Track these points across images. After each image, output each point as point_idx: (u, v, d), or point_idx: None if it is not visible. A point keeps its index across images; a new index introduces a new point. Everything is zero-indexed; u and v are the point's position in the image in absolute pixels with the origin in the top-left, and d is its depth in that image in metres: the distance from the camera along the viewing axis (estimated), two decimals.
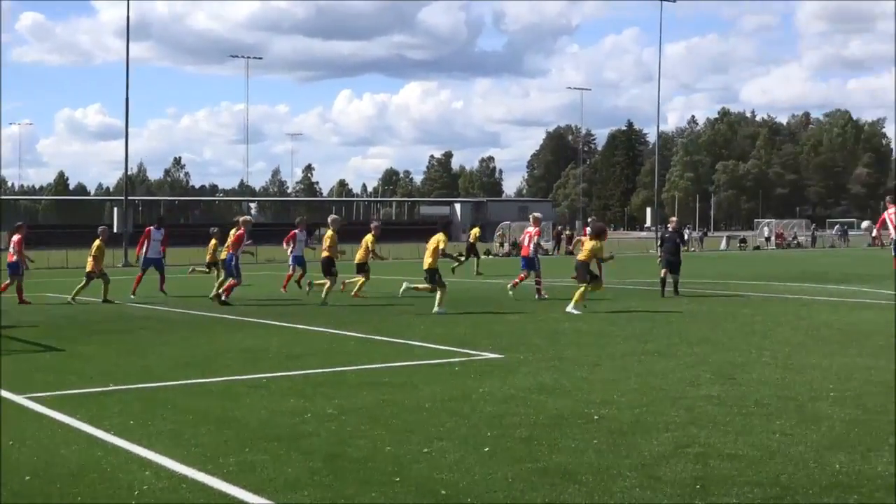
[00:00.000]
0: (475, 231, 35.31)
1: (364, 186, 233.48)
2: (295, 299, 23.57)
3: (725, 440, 7.84)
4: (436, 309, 19.25)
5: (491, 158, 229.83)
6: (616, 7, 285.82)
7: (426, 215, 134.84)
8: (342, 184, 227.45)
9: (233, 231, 22.91)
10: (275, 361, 12.87)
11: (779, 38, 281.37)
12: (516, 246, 59.22)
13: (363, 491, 6.50)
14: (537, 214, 24.27)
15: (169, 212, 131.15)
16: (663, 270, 23.57)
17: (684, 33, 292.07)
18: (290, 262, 27.04)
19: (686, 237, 56.51)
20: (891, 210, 22.06)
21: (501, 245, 62.53)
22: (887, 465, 7.01)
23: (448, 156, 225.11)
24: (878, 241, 24.52)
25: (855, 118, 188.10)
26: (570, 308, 18.96)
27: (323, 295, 21.90)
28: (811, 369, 11.51)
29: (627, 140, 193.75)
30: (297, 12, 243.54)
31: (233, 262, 22.32)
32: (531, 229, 23.48)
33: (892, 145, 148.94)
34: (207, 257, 27.71)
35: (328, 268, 22.38)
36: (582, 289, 19.41)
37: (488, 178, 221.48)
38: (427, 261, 20.07)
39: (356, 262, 24.61)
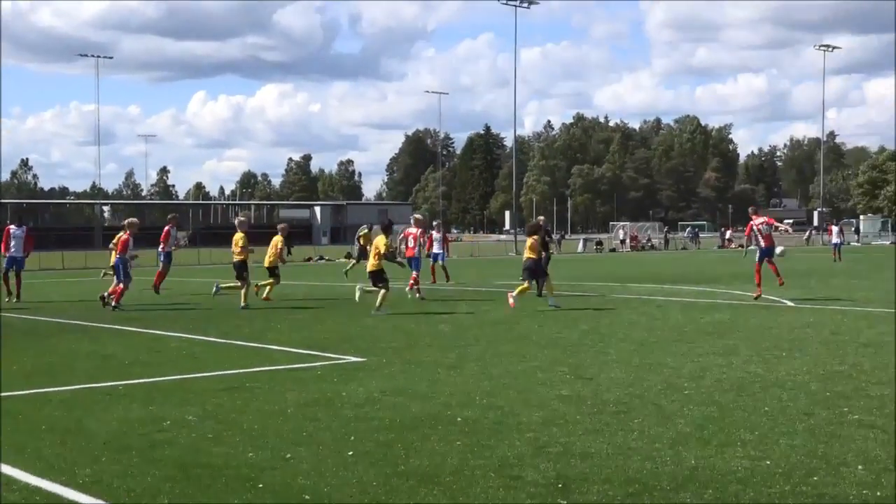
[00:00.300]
0: (365, 233, 35.31)
1: (221, 189, 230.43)
2: (157, 304, 23.03)
3: (584, 439, 7.95)
4: (376, 311, 19.22)
5: (350, 161, 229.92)
6: (471, 10, 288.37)
7: (285, 218, 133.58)
8: (199, 187, 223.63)
9: (119, 235, 22.53)
10: (129, 368, 12.52)
11: (630, 45, 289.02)
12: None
13: (222, 499, 6.38)
14: (418, 216, 25.33)
15: (15, 214, 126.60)
16: None
17: (539, 39, 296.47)
18: (161, 259, 26.68)
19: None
20: (756, 220, 22.96)
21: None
22: (741, 459, 7.22)
23: (307, 159, 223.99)
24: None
25: (703, 124, 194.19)
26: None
27: (242, 300, 21.43)
28: (665, 368, 11.78)
29: (485, 144, 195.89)
30: (147, 12, 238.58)
31: (121, 266, 21.80)
32: (414, 230, 24.25)
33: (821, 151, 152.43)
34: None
35: (241, 271, 21.97)
36: (525, 286, 20.63)
37: (348, 181, 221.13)
38: (371, 262, 20.20)
39: (266, 265, 24.00)
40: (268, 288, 23.29)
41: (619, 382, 10.78)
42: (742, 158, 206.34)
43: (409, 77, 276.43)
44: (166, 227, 27.03)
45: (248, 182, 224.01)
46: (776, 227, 23.97)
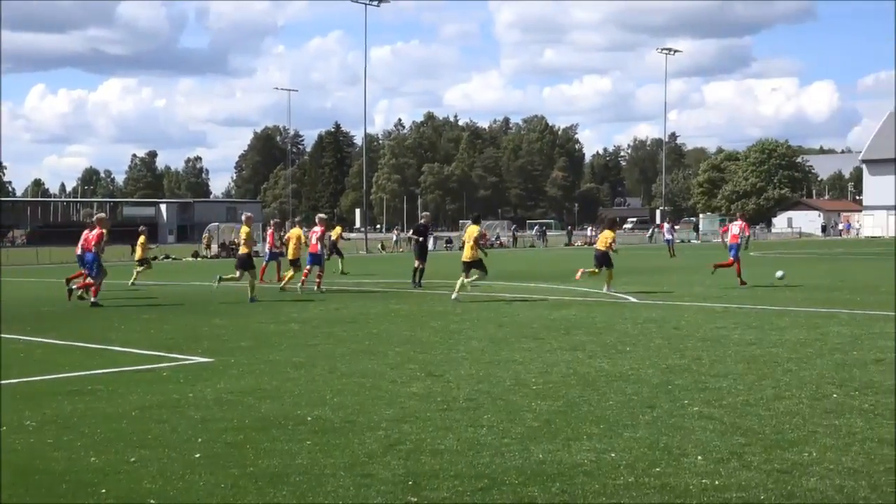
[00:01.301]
0: (338, 229, 35.01)
1: (63, 186, 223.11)
2: None
3: (434, 436, 8.01)
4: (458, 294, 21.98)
5: (199, 158, 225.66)
6: (321, 7, 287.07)
7: (129, 216, 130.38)
8: (38, 183, 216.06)
9: (89, 230, 22.51)
10: None
11: (479, 46, 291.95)
12: (228, 247, 58.41)
13: None
14: (322, 216, 27.05)
15: None
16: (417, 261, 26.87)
17: (389, 38, 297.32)
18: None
19: (395, 238, 57.45)
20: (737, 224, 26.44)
21: (208, 247, 61.07)
22: (587, 452, 7.38)
23: (152, 155, 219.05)
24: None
25: (550, 124, 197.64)
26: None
27: (250, 292, 22.37)
28: (514, 364, 11.94)
29: (335, 142, 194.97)
30: None
31: (95, 262, 21.85)
32: (317, 229, 25.38)
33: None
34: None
35: (246, 264, 22.79)
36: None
37: (195, 178, 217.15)
38: (467, 253, 22.88)
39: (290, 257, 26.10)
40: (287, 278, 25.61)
41: (468, 379, 10.88)
42: (588, 158, 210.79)
43: (258, 73, 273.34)
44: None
45: (91, 179, 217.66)
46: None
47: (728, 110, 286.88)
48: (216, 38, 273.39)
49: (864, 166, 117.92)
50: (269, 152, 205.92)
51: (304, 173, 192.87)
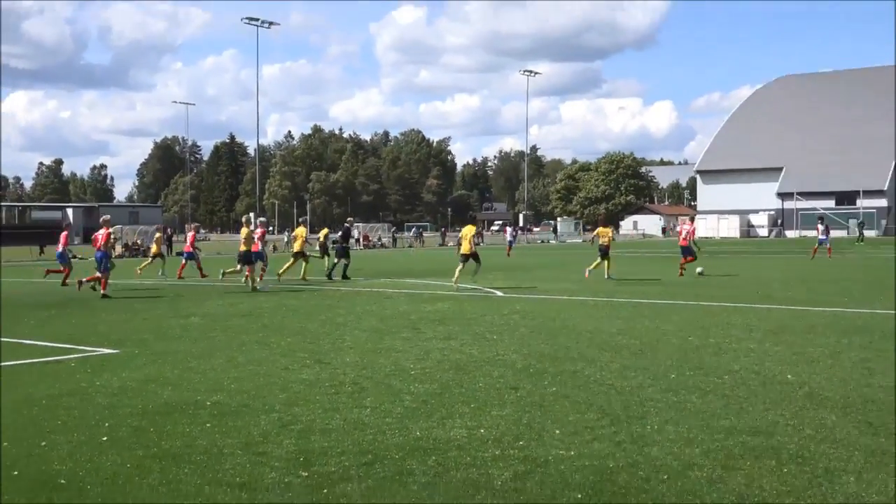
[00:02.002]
0: (325, 231, 34.21)
1: None
2: None
3: (323, 417, 7.99)
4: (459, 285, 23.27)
5: (103, 166, 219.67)
6: (216, 27, 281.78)
7: (38, 219, 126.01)
8: None
9: (102, 230, 22.97)
10: None
11: (361, 66, 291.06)
12: (131, 248, 57.00)
13: None
14: (262, 219, 28.57)
15: None
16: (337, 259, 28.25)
17: (279, 57, 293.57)
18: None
19: (286, 239, 56.93)
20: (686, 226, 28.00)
21: (113, 248, 59.35)
22: (459, 429, 7.46)
23: (58, 163, 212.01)
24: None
25: (426, 137, 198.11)
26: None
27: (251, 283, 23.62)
28: (394, 352, 11.97)
29: (230, 152, 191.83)
30: None
31: (104, 259, 22.40)
32: (259, 231, 26.11)
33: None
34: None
35: (246, 258, 23.93)
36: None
37: (100, 184, 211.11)
38: (465, 247, 24.14)
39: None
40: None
41: (353, 366, 10.87)
42: (459, 167, 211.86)
43: (157, 88, 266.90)
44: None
45: None
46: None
47: (581, 126, 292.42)
48: (118, 54, 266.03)
49: (697, 176, 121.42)
50: (168, 161, 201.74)
51: (201, 180, 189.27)
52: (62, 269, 26.58)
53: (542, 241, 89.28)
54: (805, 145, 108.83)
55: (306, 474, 6.24)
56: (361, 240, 78.18)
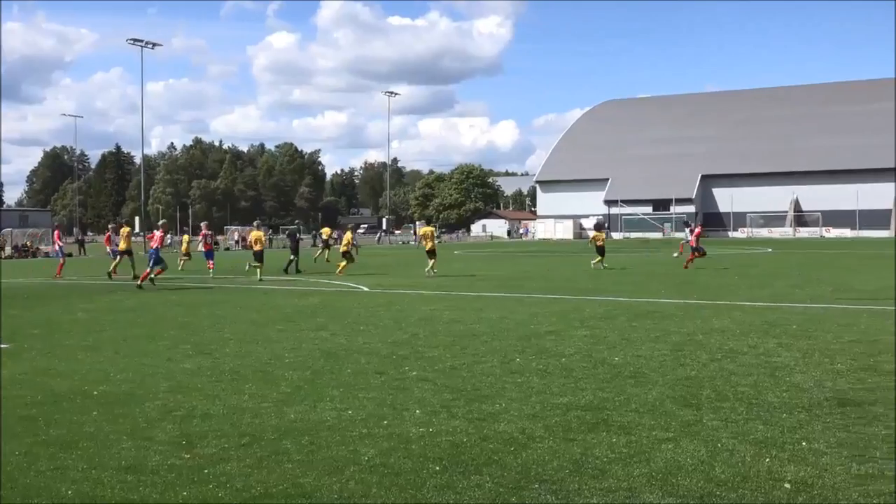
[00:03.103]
0: (327, 230, 33.91)
1: None
2: None
3: (204, 403, 7.75)
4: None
5: None
6: (103, 47, 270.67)
7: None
8: None
9: (156, 231, 24.47)
10: None
11: (239, 84, 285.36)
12: (21, 249, 54.18)
13: None
14: (163, 221, 27.22)
15: None
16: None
17: (163, 74, 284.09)
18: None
19: (170, 241, 55.41)
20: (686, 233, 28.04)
21: (2, 248, 56.32)
22: (330, 411, 7.35)
23: None
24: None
25: (299, 149, 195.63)
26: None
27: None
28: (271, 342, 11.73)
29: (117, 161, 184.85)
30: None
31: (155, 255, 23.11)
32: (158, 233, 24.86)
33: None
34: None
35: (259, 257, 26.42)
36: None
37: None
38: (430, 245, 26.27)
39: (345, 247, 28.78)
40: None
41: (233, 355, 10.60)
42: (328, 177, 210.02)
43: (47, 101, 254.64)
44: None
45: None
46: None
47: (437, 141, 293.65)
48: (9, 69, 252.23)
49: (537, 186, 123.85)
50: (58, 168, 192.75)
51: (89, 186, 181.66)
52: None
53: (403, 242, 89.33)
54: (627, 159, 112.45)
55: (188, 456, 6.02)
56: (240, 241, 76.69)
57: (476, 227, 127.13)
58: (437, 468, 5.68)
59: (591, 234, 29.99)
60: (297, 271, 29.08)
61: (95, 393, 8.29)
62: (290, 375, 9.12)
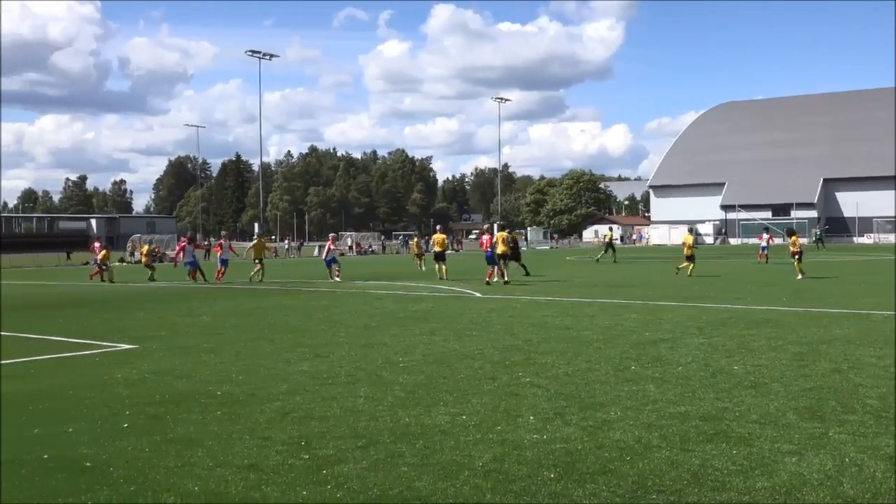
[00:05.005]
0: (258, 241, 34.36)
1: (5, 204, 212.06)
2: None
3: (321, 405, 7.90)
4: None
5: (122, 181, 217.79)
6: (223, 59, 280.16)
7: (64, 229, 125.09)
8: None
9: (219, 241, 30.50)
10: None
11: (352, 93, 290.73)
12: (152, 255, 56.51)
13: (11, 470, 5.87)
14: (224, 232, 30.15)
15: None
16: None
17: (279, 85, 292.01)
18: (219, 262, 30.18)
19: (287, 246, 56.74)
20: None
21: (132, 254, 59.00)
22: (443, 415, 7.38)
23: (83, 178, 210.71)
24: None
25: (410, 156, 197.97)
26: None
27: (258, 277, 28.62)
28: (384, 346, 11.88)
29: (237, 169, 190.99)
30: None
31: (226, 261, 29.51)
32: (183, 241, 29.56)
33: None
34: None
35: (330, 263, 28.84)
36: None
37: (120, 197, 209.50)
38: (502, 249, 25.83)
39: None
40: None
41: (348, 359, 10.78)
42: (440, 183, 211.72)
43: (171, 112, 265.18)
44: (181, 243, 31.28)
45: (30, 198, 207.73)
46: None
47: (547, 146, 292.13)
48: (137, 83, 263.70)
49: (650, 190, 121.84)
50: (181, 177, 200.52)
51: (211, 194, 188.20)
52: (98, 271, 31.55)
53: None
54: (743, 163, 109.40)
55: (307, 456, 6.15)
56: (354, 247, 78.05)
57: (588, 233, 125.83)
58: (552, 475, 5.64)
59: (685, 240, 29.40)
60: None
61: (219, 393, 8.56)
62: (403, 379, 9.22)
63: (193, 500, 5.22)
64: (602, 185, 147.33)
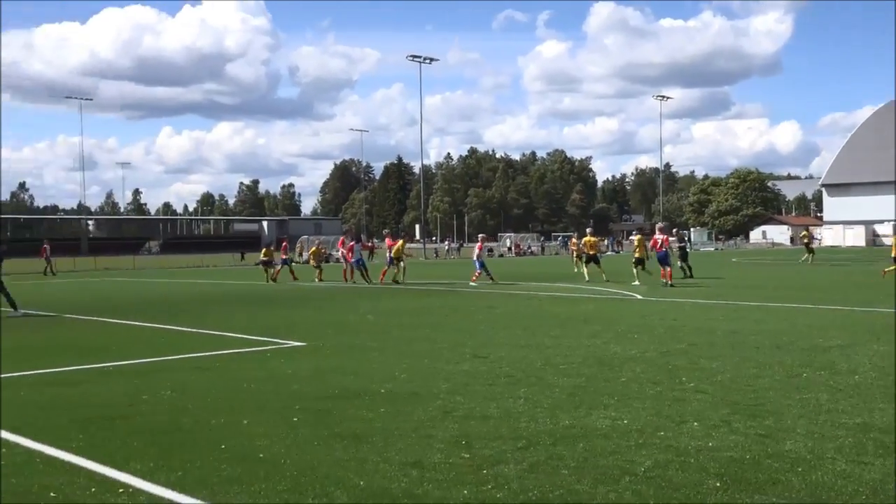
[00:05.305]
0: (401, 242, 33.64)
1: (185, 207, 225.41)
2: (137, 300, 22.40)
3: (481, 405, 7.96)
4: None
5: (291, 185, 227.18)
6: (386, 64, 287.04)
7: (238, 230, 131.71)
8: (167, 205, 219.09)
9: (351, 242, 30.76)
10: (110, 353, 12.18)
11: (511, 94, 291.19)
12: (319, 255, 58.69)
13: (192, 458, 6.23)
14: (386, 230, 30.75)
15: (16, 228, 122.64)
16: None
17: (439, 88, 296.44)
18: (387, 260, 30.60)
19: (447, 247, 57.60)
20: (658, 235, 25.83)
21: (300, 254, 61.53)
22: (604, 419, 7.30)
23: (255, 182, 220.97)
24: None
25: (569, 156, 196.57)
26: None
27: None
28: (544, 348, 11.86)
29: (398, 171, 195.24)
30: (121, 63, 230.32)
31: (361, 261, 30.22)
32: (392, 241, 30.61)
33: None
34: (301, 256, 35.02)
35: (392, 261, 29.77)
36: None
37: (289, 200, 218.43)
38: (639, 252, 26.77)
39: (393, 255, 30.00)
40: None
41: (508, 360, 10.82)
42: (599, 183, 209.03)
43: (337, 117, 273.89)
44: (351, 243, 31.35)
45: (208, 201, 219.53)
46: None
47: (712, 144, 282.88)
48: (305, 90, 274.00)
49: (823, 189, 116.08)
50: (346, 180, 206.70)
51: (374, 196, 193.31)
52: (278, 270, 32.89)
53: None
54: None
55: (467, 455, 6.22)
56: (513, 248, 78.22)
57: (755, 234, 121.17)
58: (718, 484, 5.47)
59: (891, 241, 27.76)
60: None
61: (382, 391, 8.79)
62: (563, 381, 9.17)
63: (359, 495, 5.38)
64: (770, 184, 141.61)
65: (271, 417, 7.55)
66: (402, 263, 29.72)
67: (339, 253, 33.55)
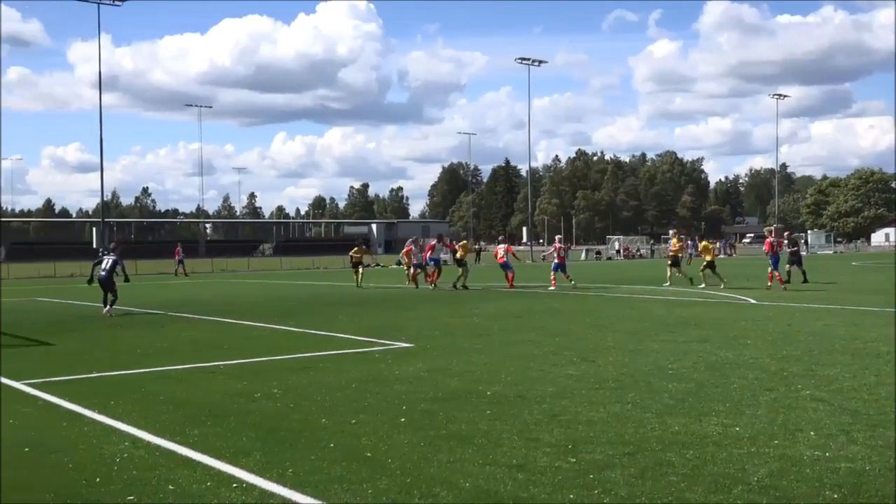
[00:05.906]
0: (464, 243, 33.21)
1: (298, 210, 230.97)
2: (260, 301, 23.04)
3: (588, 409, 7.87)
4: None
5: (400, 188, 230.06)
6: (494, 67, 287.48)
7: (349, 233, 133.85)
8: (280, 208, 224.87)
9: (430, 243, 29.95)
10: (227, 352, 12.57)
11: (620, 95, 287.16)
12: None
13: (301, 455, 6.37)
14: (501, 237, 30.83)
15: (139, 231, 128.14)
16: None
17: (547, 90, 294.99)
18: (429, 263, 29.57)
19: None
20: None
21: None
22: (715, 425, 7.11)
23: (365, 186, 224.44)
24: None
25: (680, 157, 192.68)
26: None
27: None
28: (652, 352, 11.65)
29: (506, 174, 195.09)
30: (239, 70, 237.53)
31: (437, 263, 29.16)
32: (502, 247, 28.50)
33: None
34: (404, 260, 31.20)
35: (460, 262, 28.61)
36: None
37: (398, 203, 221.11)
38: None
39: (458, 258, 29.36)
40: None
41: (615, 364, 10.67)
42: (712, 185, 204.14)
43: (445, 121, 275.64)
44: (431, 244, 30.22)
45: (319, 205, 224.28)
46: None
47: (830, 143, 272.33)
48: (414, 94, 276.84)
49: None
50: (454, 183, 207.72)
51: (481, 199, 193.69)
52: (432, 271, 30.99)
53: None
54: None
55: (574, 460, 6.15)
56: (622, 251, 77.12)
57: (877, 236, 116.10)
58: (835, 496, 5.25)
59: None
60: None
61: (488, 393, 8.78)
62: (672, 387, 8.98)
63: (465, 496, 5.39)
64: (894, 185, 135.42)
65: (377, 418, 7.64)
66: (465, 267, 28.16)
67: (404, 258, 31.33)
